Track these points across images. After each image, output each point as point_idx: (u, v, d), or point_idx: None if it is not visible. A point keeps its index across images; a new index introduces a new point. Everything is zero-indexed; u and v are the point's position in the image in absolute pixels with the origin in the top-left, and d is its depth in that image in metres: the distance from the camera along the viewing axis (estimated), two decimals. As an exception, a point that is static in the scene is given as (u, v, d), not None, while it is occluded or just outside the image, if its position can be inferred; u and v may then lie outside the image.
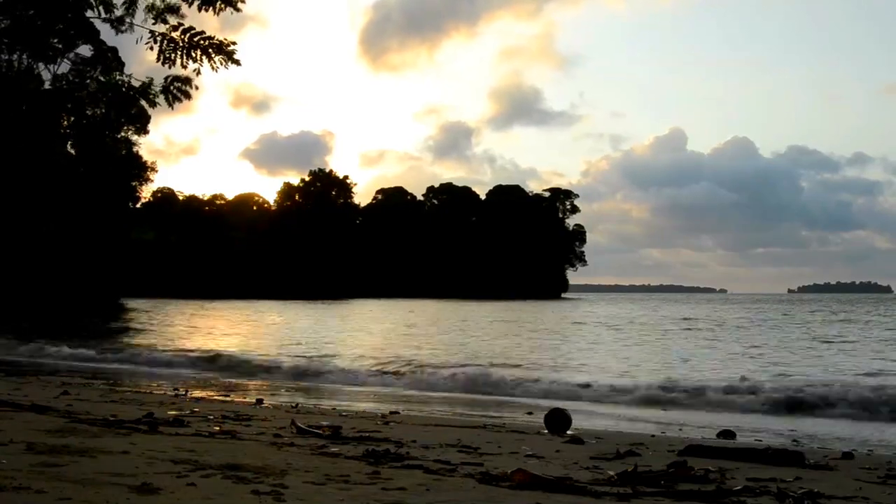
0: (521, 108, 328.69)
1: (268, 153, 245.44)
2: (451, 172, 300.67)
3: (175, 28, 7.49)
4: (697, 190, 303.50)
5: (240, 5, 7.49)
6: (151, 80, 7.57)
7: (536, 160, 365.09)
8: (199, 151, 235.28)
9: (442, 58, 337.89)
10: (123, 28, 7.30)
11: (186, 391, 13.00)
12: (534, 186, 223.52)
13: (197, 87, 7.46)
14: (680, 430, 10.37)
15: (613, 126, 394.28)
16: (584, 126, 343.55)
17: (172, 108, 7.50)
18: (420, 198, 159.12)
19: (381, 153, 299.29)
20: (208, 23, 7.68)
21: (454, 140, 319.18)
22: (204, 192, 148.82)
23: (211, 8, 7.43)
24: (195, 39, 7.49)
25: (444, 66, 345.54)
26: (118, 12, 7.27)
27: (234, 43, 7.51)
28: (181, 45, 7.50)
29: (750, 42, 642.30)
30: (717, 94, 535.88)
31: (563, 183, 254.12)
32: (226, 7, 7.55)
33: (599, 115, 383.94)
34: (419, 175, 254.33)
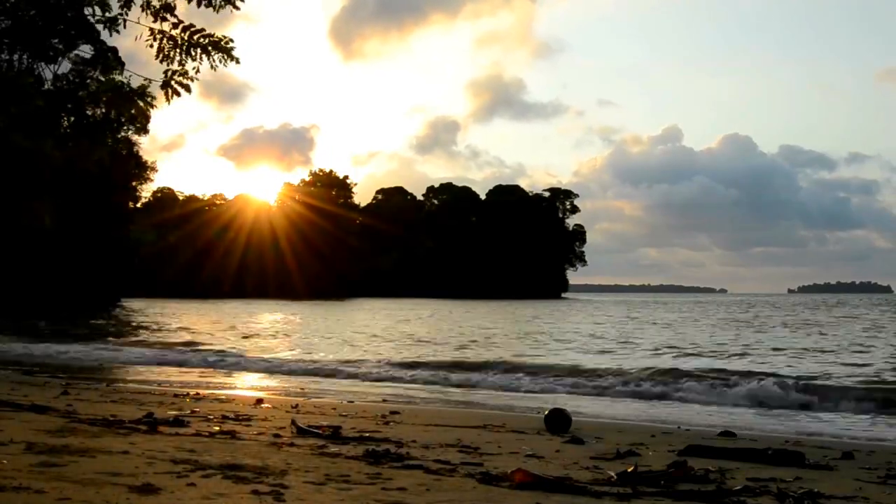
0: (506, 100, 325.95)
1: (250, 148, 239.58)
2: (440, 171, 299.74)
3: (175, 26, 7.44)
4: (693, 188, 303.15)
5: (238, 3, 7.44)
6: (150, 81, 7.48)
7: (527, 155, 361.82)
8: (182, 147, 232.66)
9: (427, 51, 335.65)
10: (117, 27, 7.21)
11: (187, 394, 12.97)
12: (524, 183, 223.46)
13: (194, 79, 7.39)
14: (679, 429, 10.37)
15: (605, 120, 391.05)
16: (576, 120, 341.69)
17: (170, 104, 7.40)
18: (420, 198, 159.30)
19: (367, 149, 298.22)
20: (193, 18, 7.67)
21: (439, 136, 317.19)
22: (203, 192, 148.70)
23: (210, 5, 7.38)
24: (195, 37, 7.45)
25: (428, 58, 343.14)
26: (114, 11, 7.17)
27: (231, 40, 7.49)
28: (181, 42, 7.46)
29: (745, 35, 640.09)
30: (711, 86, 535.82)
31: (553, 182, 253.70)
32: (226, 5, 7.51)
33: (589, 108, 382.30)
34: (408, 172, 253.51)
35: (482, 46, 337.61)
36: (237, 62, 7.55)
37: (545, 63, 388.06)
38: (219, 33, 7.55)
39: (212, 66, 7.55)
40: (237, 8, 7.57)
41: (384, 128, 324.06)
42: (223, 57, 7.55)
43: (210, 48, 7.51)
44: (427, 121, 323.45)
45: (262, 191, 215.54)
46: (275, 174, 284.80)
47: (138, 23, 7.47)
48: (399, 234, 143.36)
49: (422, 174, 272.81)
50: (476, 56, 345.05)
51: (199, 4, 7.46)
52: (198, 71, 7.56)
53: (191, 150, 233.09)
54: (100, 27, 7.74)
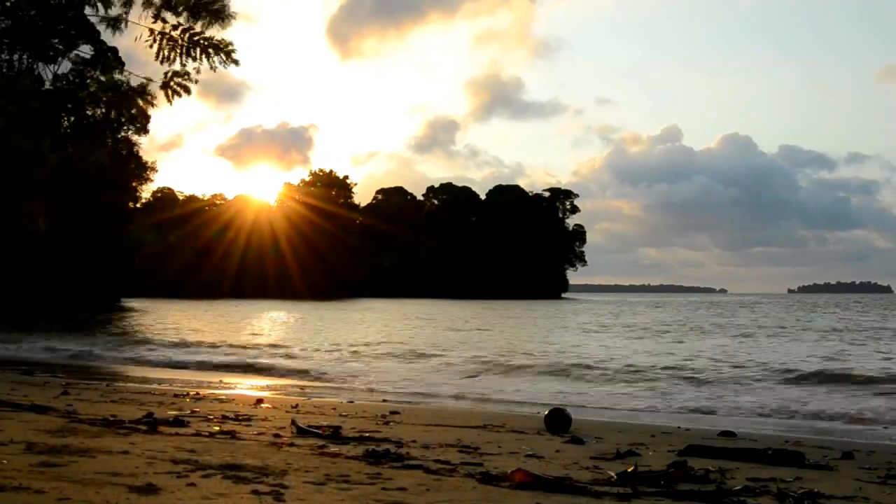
0: (504, 100, 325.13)
1: (248, 147, 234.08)
2: (438, 171, 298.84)
3: (175, 27, 7.45)
4: (693, 188, 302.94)
5: (225, 23, 7.43)
6: (150, 80, 7.45)
7: (526, 154, 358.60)
8: (180, 147, 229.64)
9: (425, 50, 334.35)
10: (121, 27, 7.18)
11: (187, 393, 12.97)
12: (523, 182, 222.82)
13: (196, 81, 7.34)
14: (679, 429, 10.37)
15: (604, 119, 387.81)
16: (574, 119, 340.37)
17: (171, 104, 7.38)
18: (420, 198, 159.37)
19: (366, 148, 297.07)
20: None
21: (437, 135, 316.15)
22: (203, 192, 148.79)
23: (199, 21, 7.38)
24: (195, 38, 7.46)
25: (427, 57, 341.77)
26: (115, 11, 7.14)
27: (230, 43, 7.51)
28: (180, 43, 7.47)
29: (745, 35, 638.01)
30: (711, 85, 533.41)
31: (552, 181, 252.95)
32: (214, 23, 7.50)
33: (588, 107, 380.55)
34: (407, 171, 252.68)
35: (481, 45, 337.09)
36: (237, 64, 7.57)
37: (544, 62, 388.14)
38: (218, 35, 7.57)
39: (212, 68, 7.56)
40: (224, 27, 7.57)
41: (382, 127, 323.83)
42: (223, 58, 7.57)
43: (210, 49, 7.52)
44: (425, 120, 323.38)
45: (260, 190, 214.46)
46: (273, 173, 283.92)
47: (139, 24, 7.48)
48: (399, 234, 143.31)
49: (420, 174, 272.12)
50: (474, 55, 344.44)
51: (186, 20, 7.48)
52: (198, 72, 7.57)
53: (189, 150, 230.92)
54: (102, 26, 7.74)
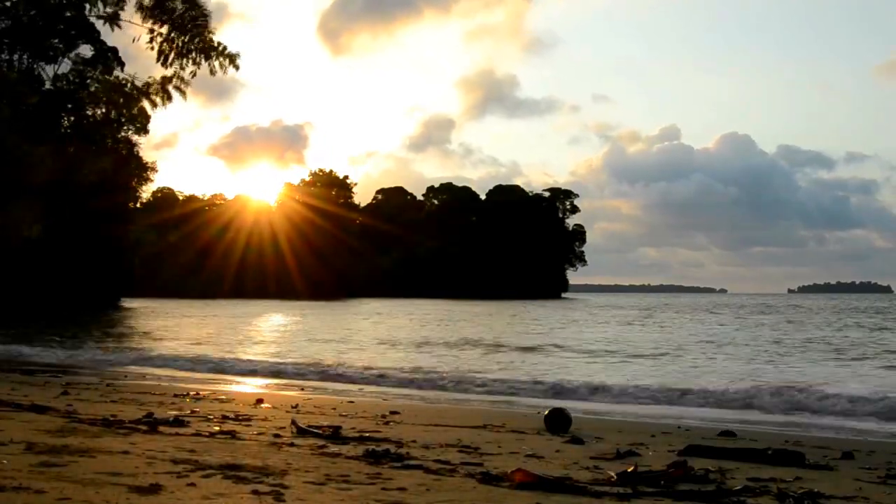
0: (499, 97, 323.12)
1: (242, 145, 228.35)
2: (434, 170, 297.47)
3: (173, 27, 7.45)
4: (692, 187, 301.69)
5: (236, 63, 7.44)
6: (153, 79, 7.44)
7: (522, 152, 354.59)
8: (174, 145, 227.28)
9: (419, 47, 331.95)
10: (118, 23, 7.21)
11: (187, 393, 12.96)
12: (520, 181, 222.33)
13: (190, 80, 7.33)
14: (679, 429, 10.37)
15: (601, 117, 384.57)
16: (571, 117, 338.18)
17: (165, 107, 7.36)
18: (420, 198, 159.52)
19: (360, 144, 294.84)
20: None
21: (432, 134, 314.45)
22: (203, 192, 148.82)
23: (206, 62, 7.41)
24: (195, 41, 7.45)
25: (421, 54, 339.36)
26: (111, 9, 7.16)
27: (224, 47, 7.51)
28: (180, 46, 7.47)
29: (745, 33, 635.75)
30: (710, 84, 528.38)
31: (549, 180, 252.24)
32: (198, 37, 7.50)
33: (585, 105, 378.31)
34: (403, 170, 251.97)
35: (474, 42, 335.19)
36: (237, 68, 7.57)
37: (538, 59, 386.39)
38: (216, 38, 7.56)
39: (211, 72, 7.56)
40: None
41: (376, 124, 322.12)
42: (224, 62, 7.57)
43: (212, 53, 7.52)
44: (420, 119, 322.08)
45: (257, 188, 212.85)
46: (269, 171, 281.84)
47: (139, 24, 7.47)
48: (399, 234, 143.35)
49: (415, 173, 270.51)
50: (468, 52, 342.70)
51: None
52: (194, 75, 7.57)
53: (182, 149, 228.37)
54: (100, 23, 7.74)
